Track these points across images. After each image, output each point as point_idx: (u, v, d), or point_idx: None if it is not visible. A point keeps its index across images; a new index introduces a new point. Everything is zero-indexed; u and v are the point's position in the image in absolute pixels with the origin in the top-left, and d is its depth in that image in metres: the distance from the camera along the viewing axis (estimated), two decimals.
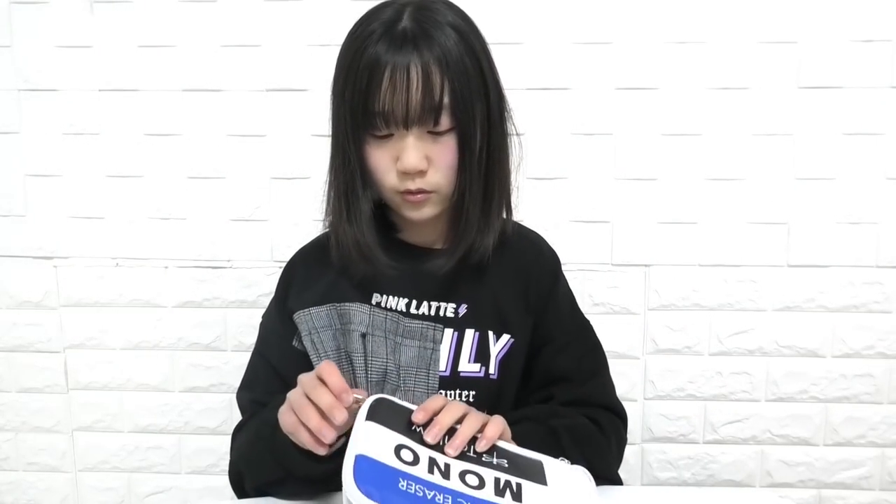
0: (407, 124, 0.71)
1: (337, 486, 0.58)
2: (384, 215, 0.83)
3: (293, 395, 0.65)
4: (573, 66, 1.15)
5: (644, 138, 1.16)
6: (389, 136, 0.73)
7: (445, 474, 0.57)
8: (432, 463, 0.58)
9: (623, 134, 1.17)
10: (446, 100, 0.71)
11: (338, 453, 0.68)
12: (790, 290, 1.19)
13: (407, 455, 0.58)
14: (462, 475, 0.58)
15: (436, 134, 0.72)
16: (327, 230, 0.85)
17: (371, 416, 0.60)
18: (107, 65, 1.18)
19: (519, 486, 0.59)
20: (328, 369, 0.63)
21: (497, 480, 0.58)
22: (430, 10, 0.73)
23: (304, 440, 0.63)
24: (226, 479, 1.36)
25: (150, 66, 1.18)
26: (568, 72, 1.15)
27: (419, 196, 0.75)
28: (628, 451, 1.25)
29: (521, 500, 0.57)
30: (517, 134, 0.83)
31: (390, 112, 0.70)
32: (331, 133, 0.79)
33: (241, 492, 0.79)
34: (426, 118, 0.71)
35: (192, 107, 1.19)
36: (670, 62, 1.14)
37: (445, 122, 0.72)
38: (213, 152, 1.20)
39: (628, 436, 1.24)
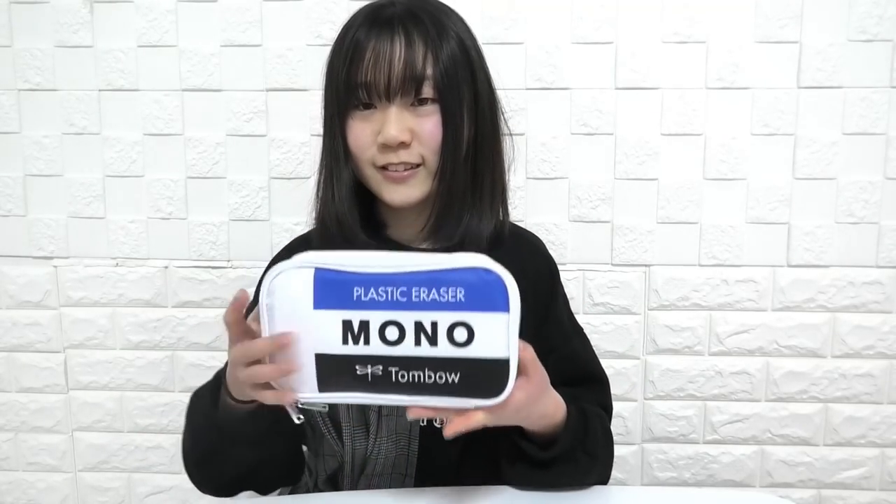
0: (389, 95, 0.72)
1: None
2: (372, 211, 0.83)
3: (236, 371, 0.63)
4: (573, 66, 1.15)
5: (644, 138, 1.16)
6: (372, 109, 0.74)
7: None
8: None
9: (623, 134, 1.17)
10: (429, 71, 0.72)
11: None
12: (790, 290, 1.19)
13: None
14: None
15: (418, 106, 0.73)
16: (305, 232, 0.86)
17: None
18: (107, 65, 1.19)
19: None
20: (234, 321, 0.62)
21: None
22: (422, 2, 0.76)
23: (270, 397, 0.62)
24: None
25: (150, 66, 1.18)
26: (568, 72, 1.15)
27: (404, 173, 0.74)
28: (628, 451, 1.25)
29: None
30: (510, 134, 0.83)
31: (372, 83, 0.72)
32: (322, 123, 0.80)
33: (187, 465, 0.80)
34: (408, 88, 0.72)
35: (192, 107, 1.19)
36: (670, 62, 1.14)
37: (428, 91, 0.73)
38: (213, 152, 1.20)
39: (628, 436, 1.25)
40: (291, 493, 0.88)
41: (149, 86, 1.19)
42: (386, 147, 0.73)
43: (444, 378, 0.57)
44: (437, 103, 0.74)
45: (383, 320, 0.57)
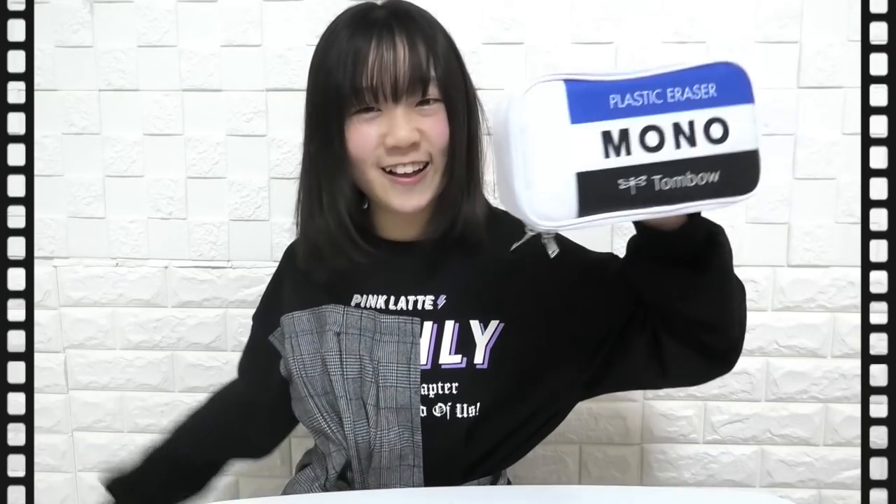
0: (396, 97, 0.72)
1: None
2: (360, 214, 0.83)
3: None
4: (573, 66, 1.15)
5: None
6: (375, 112, 0.73)
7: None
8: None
9: None
10: (433, 71, 0.73)
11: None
12: (790, 290, 1.19)
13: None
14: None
15: (424, 105, 0.74)
16: (291, 242, 0.88)
17: None
18: (107, 65, 1.19)
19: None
20: None
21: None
22: (402, 4, 0.77)
23: None
24: (226, 480, 1.36)
25: (150, 66, 1.18)
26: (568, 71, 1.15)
27: (412, 178, 0.74)
28: (628, 451, 1.25)
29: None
30: (489, 133, 0.85)
31: (379, 86, 0.71)
32: (305, 130, 0.80)
33: None
34: (414, 89, 0.72)
35: (192, 107, 1.19)
36: (670, 62, 1.14)
37: (433, 91, 0.74)
38: (213, 152, 1.20)
39: (628, 436, 1.25)
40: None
41: (149, 86, 1.19)
42: (396, 149, 0.73)
43: (704, 179, 0.56)
44: (440, 102, 0.75)
45: (643, 126, 0.55)
